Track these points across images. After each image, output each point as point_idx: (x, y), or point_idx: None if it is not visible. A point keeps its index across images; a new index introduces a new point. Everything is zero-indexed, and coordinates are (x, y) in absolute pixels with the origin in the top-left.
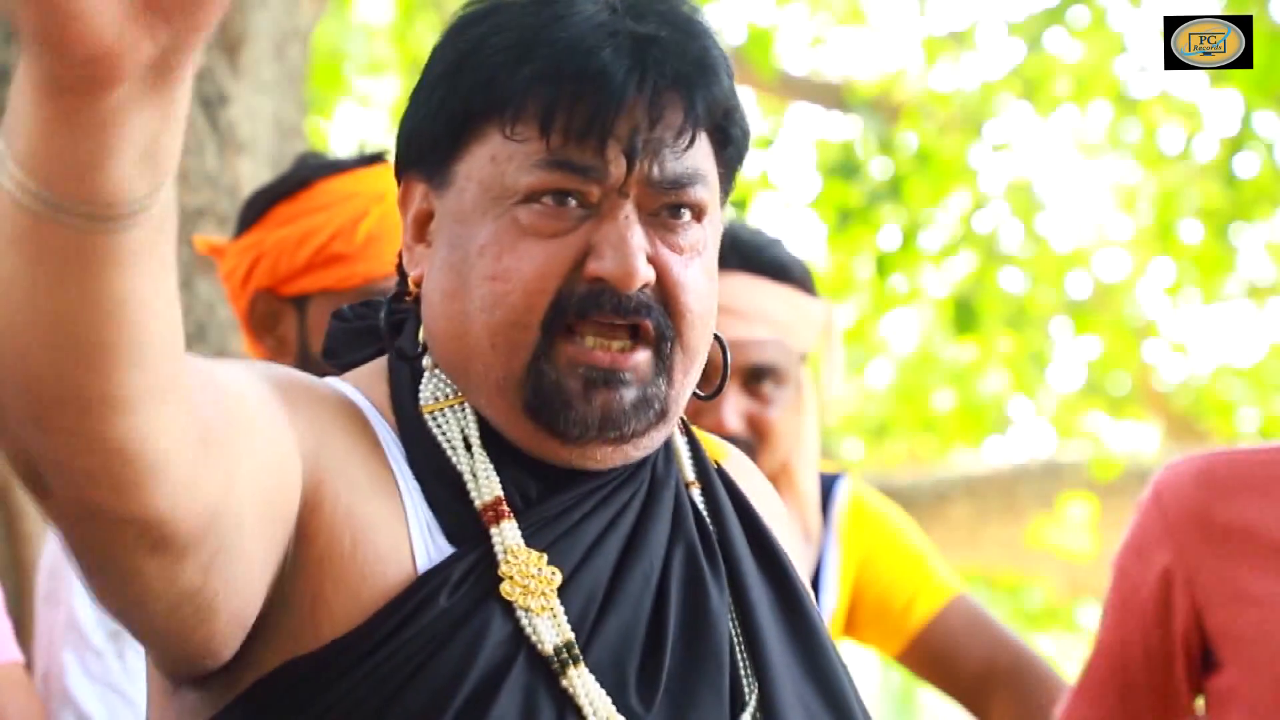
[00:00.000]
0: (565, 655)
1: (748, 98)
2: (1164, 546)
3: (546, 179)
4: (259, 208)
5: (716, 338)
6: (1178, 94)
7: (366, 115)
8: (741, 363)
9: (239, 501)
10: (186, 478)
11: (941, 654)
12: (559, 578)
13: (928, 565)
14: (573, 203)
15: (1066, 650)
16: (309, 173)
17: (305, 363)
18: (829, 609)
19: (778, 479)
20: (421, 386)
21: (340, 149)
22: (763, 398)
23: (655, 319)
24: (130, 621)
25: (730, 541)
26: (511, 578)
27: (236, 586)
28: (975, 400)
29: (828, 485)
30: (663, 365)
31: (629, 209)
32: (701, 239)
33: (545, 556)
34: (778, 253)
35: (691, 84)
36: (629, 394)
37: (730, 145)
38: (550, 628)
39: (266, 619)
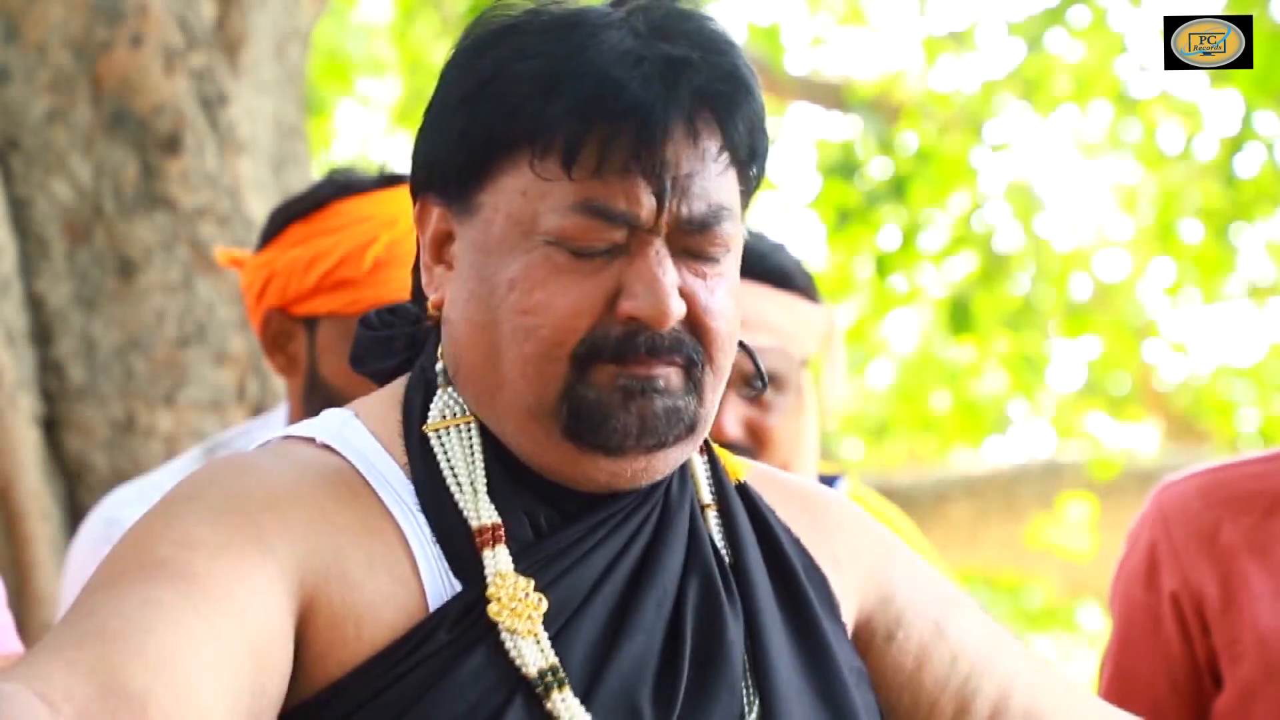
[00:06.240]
0: (550, 679)
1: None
2: (1172, 571)
3: (579, 224)
4: (276, 225)
5: (741, 344)
6: (1178, 94)
7: (366, 115)
8: (743, 370)
9: None
10: None
11: None
12: (545, 604)
13: None
14: (603, 244)
15: (1066, 650)
16: (327, 192)
17: (314, 382)
18: None
19: None
20: (432, 405)
21: (341, 149)
22: (763, 404)
23: (686, 353)
24: None
25: (746, 567)
26: (499, 599)
27: None
28: (975, 400)
29: (826, 486)
30: (693, 385)
31: (659, 244)
32: (728, 261)
33: (533, 582)
34: (780, 259)
35: (730, 104)
36: (662, 402)
37: (756, 161)
38: (535, 651)
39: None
